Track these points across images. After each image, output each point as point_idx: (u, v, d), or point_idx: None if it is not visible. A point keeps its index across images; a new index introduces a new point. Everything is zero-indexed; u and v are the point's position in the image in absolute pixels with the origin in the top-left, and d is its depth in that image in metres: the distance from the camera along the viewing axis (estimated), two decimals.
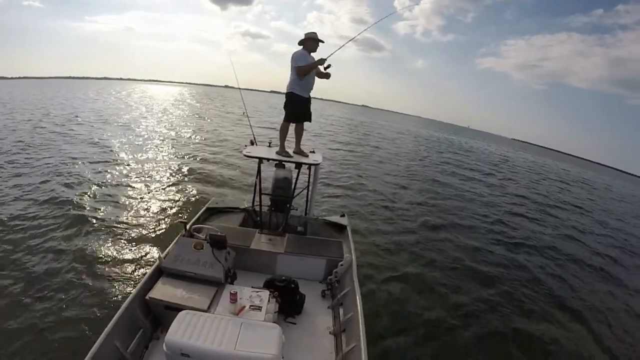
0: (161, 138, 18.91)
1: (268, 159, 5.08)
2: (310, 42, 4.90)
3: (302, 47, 4.89)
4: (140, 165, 12.65)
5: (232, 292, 3.23)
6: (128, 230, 7.24)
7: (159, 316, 3.45)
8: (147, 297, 3.35)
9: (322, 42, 4.95)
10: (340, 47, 5.26)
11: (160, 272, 3.70)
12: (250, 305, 3.26)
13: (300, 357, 3.37)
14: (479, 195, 16.32)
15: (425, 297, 6.49)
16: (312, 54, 4.94)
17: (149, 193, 9.71)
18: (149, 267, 3.96)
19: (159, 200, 9.24)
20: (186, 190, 10.18)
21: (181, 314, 2.65)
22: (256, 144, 5.59)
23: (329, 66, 4.89)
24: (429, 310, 6.03)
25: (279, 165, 5.32)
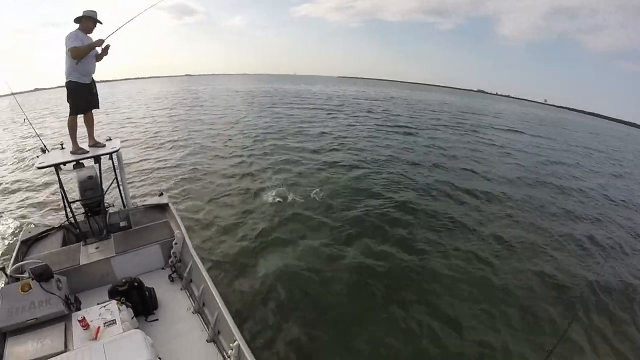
0: None
1: (64, 163, 4.60)
2: (87, 21, 4.50)
3: (78, 25, 4.51)
4: None
5: (79, 319, 3.18)
6: None
7: None
8: None
9: (101, 23, 4.62)
10: (118, 30, 4.78)
11: (3, 335, 3.31)
12: (104, 323, 3.25)
13: (174, 347, 3.55)
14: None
15: (264, 246, 7.52)
16: (88, 35, 4.55)
17: None
18: None
19: None
20: None
21: None
22: (48, 151, 5.02)
23: (107, 47, 4.61)
24: (270, 260, 6.97)
25: (78, 165, 4.84)
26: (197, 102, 38.71)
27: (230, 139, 17.89)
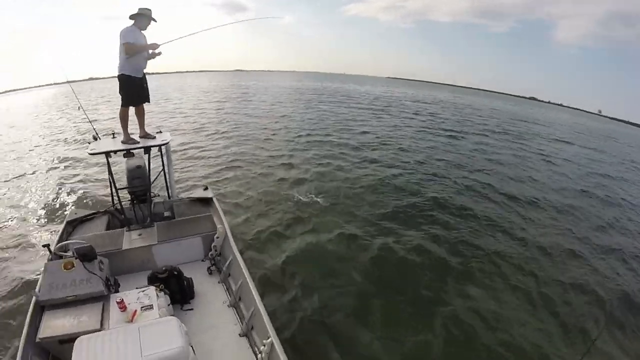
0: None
1: (115, 151, 4.72)
2: (143, 18, 4.58)
3: (132, 22, 4.57)
4: None
5: (117, 300, 3.19)
6: None
7: (58, 354, 3.18)
8: (37, 340, 3.05)
9: (155, 21, 4.71)
10: (174, 40, 4.99)
11: (41, 308, 3.37)
12: (142, 307, 3.25)
13: (207, 338, 3.52)
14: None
15: (298, 234, 7.52)
16: (142, 31, 4.68)
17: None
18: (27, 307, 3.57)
19: (16, 229, 7.78)
20: (45, 208, 8.82)
21: (77, 342, 2.51)
22: (100, 138, 5.14)
23: (159, 53, 4.73)
24: (302, 247, 6.92)
25: (128, 154, 4.91)
26: (245, 96, 39.67)
27: (275, 133, 18.06)
